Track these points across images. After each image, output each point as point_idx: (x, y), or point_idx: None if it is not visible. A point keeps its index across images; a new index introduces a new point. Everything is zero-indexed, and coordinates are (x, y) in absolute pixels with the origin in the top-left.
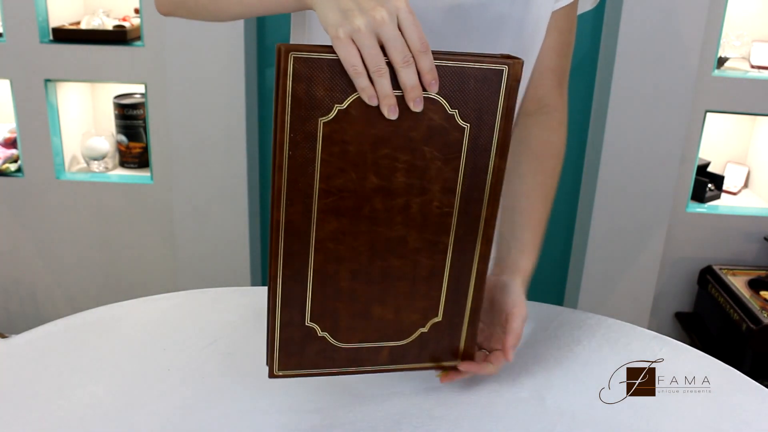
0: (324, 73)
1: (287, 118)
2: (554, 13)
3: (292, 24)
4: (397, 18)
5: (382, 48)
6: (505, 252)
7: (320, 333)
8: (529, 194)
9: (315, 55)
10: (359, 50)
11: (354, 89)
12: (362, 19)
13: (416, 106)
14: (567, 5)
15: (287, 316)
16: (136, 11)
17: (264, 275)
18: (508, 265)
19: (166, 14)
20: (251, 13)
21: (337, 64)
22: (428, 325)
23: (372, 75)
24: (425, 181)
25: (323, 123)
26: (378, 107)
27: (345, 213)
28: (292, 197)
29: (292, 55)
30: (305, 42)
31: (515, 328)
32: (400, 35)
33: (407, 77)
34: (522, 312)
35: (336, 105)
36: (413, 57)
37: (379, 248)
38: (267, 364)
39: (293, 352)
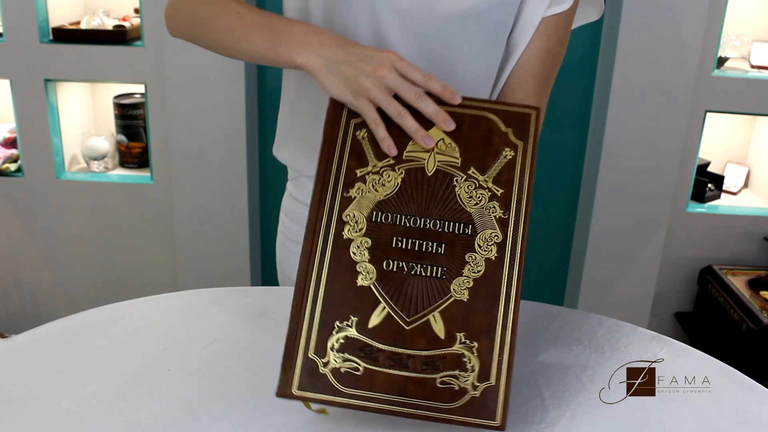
0: None
1: None
2: (545, 20)
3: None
4: (395, 68)
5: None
6: None
7: None
8: None
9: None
10: (376, 105)
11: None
12: (368, 80)
13: (448, 125)
14: (558, 14)
15: None
16: (136, 11)
17: (264, 276)
18: None
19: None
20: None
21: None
22: None
23: (396, 119)
24: None
25: None
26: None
27: None
28: None
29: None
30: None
31: None
32: (404, 79)
33: (426, 107)
34: None
35: None
36: (424, 92)
37: None
38: None
39: None
